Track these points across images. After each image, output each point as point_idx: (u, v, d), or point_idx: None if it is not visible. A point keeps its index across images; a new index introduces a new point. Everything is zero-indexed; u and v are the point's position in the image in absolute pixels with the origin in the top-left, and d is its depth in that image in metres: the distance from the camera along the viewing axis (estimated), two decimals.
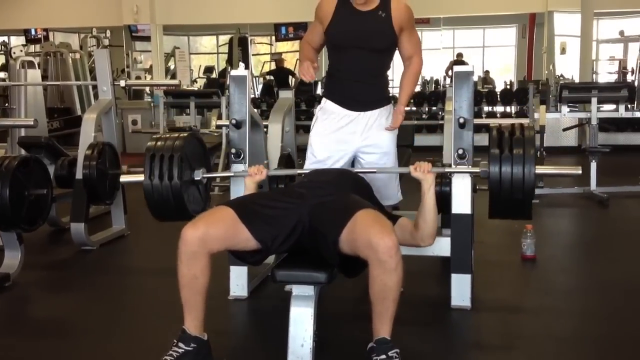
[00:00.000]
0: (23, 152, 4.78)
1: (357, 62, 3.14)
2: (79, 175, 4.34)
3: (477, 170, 2.87)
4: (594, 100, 6.06)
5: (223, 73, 12.56)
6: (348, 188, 2.62)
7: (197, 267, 2.30)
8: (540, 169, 2.78)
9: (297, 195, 2.48)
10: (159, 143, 2.93)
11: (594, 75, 11.18)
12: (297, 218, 2.39)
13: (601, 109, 6.56)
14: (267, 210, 2.42)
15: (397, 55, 3.32)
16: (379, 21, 3.11)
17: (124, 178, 3.28)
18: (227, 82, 5.47)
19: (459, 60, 12.90)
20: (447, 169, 2.99)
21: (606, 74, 11.79)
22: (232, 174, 3.21)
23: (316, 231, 2.36)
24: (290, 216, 2.40)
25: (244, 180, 2.88)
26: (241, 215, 2.36)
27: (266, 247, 2.39)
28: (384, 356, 2.24)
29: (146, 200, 2.91)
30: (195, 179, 2.96)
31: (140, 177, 2.90)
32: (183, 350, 2.31)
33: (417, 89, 11.69)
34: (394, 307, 2.25)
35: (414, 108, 9.84)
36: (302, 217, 2.39)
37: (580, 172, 2.86)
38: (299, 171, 3.10)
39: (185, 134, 3.01)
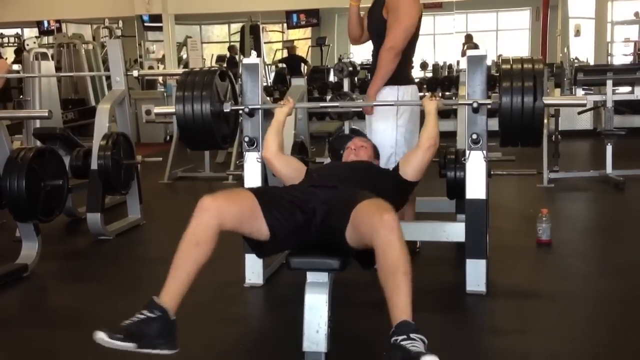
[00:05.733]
0: (38, 143, 4.82)
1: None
2: (94, 165, 4.37)
3: (489, 101, 2.95)
4: (609, 82, 5.99)
5: (232, 61, 12.50)
6: (359, 178, 2.63)
7: (202, 235, 2.21)
8: (548, 99, 2.94)
9: (309, 193, 2.48)
10: (189, 77, 3.14)
11: (609, 58, 11.03)
12: (310, 217, 2.40)
13: (616, 91, 6.47)
14: (285, 205, 2.41)
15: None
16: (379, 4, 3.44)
17: (158, 109, 3.48)
18: (240, 71, 5.47)
19: (469, 43, 12.79)
20: (460, 101, 3.24)
21: (621, 56, 11.64)
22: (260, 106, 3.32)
23: (327, 228, 2.37)
24: (305, 213, 2.40)
25: (275, 112, 3.08)
26: (261, 202, 2.36)
27: (274, 240, 2.38)
28: (404, 336, 2.02)
29: (179, 129, 3.18)
30: (225, 110, 3.14)
31: (171, 109, 3.15)
32: (145, 316, 2.12)
33: (429, 74, 11.66)
34: (407, 284, 2.11)
35: (427, 93, 9.77)
36: (315, 217, 2.40)
37: (585, 102, 3.17)
38: (325, 103, 3.19)
39: (214, 69, 3.21)
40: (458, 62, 11.82)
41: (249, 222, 2.34)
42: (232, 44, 14.63)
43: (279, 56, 14.27)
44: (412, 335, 2.02)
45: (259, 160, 3.29)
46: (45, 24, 14.49)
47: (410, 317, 2.09)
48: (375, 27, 3.51)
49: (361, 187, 2.52)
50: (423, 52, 13.15)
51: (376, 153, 3.22)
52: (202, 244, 2.22)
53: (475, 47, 11.97)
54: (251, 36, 12.91)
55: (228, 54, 13.12)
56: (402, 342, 2.01)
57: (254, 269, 3.32)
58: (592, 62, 10.52)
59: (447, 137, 4.23)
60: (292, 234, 2.39)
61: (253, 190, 2.46)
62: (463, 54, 12.17)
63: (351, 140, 3.17)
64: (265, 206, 2.36)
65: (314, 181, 2.61)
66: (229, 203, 2.29)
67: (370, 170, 2.91)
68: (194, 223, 2.23)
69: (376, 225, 2.15)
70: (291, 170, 2.88)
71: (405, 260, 2.13)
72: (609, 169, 5.79)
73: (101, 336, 2.04)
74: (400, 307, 2.10)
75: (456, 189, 3.40)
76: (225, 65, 12.37)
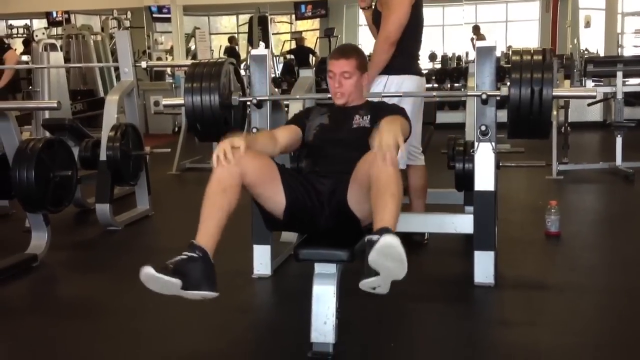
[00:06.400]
0: (47, 134, 4.84)
1: None
2: (102, 156, 4.38)
3: (498, 92, 2.94)
4: (619, 74, 5.96)
5: (232, 51, 12.47)
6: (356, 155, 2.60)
7: (227, 181, 2.22)
8: (557, 91, 2.93)
9: (319, 184, 2.49)
10: (197, 68, 3.17)
11: (620, 49, 10.97)
12: (321, 206, 2.43)
13: (627, 83, 6.43)
14: (301, 182, 2.47)
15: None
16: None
17: (166, 101, 3.53)
18: (248, 62, 5.46)
19: (478, 34, 12.73)
20: (469, 93, 3.15)
21: (632, 48, 11.56)
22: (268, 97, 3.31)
23: (334, 209, 2.39)
24: (319, 199, 2.44)
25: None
26: (280, 169, 2.42)
27: (288, 209, 2.40)
28: (377, 236, 1.99)
29: (188, 120, 3.26)
30: (233, 102, 3.19)
31: (180, 100, 3.21)
32: (187, 256, 2.16)
33: (438, 65, 11.61)
34: (395, 204, 2.08)
35: (435, 85, 9.73)
36: (324, 208, 2.42)
37: (595, 94, 3.12)
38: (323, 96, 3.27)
39: (222, 61, 3.26)
40: (467, 54, 11.77)
41: (266, 183, 2.36)
42: (233, 34, 14.62)
43: (287, 47, 14.25)
44: (386, 234, 1.99)
45: None
46: (54, 15, 14.53)
47: (393, 227, 2.05)
48: (376, 22, 3.58)
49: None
50: (432, 44, 13.10)
51: (362, 65, 2.72)
52: (228, 191, 2.23)
53: (483, 38, 11.91)
54: (259, 27, 12.90)
55: (228, 45, 13.14)
56: (374, 240, 1.99)
57: (262, 260, 3.33)
58: (602, 54, 10.46)
59: (456, 128, 4.23)
60: (305, 210, 2.41)
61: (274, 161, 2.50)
62: (474, 46, 12.11)
63: (331, 63, 2.71)
64: (283, 174, 2.41)
65: (317, 172, 2.61)
66: (249, 156, 2.30)
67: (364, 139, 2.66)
68: (217, 172, 2.24)
69: (371, 159, 2.16)
70: (290, 145, 2.78)
71: (397, 185, 2.11)
72: (618, 161, 5.75)
73: (148, 270, 2.07)
74: (383, 218, 2.07)
75: (465, 180, 3.39)
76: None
